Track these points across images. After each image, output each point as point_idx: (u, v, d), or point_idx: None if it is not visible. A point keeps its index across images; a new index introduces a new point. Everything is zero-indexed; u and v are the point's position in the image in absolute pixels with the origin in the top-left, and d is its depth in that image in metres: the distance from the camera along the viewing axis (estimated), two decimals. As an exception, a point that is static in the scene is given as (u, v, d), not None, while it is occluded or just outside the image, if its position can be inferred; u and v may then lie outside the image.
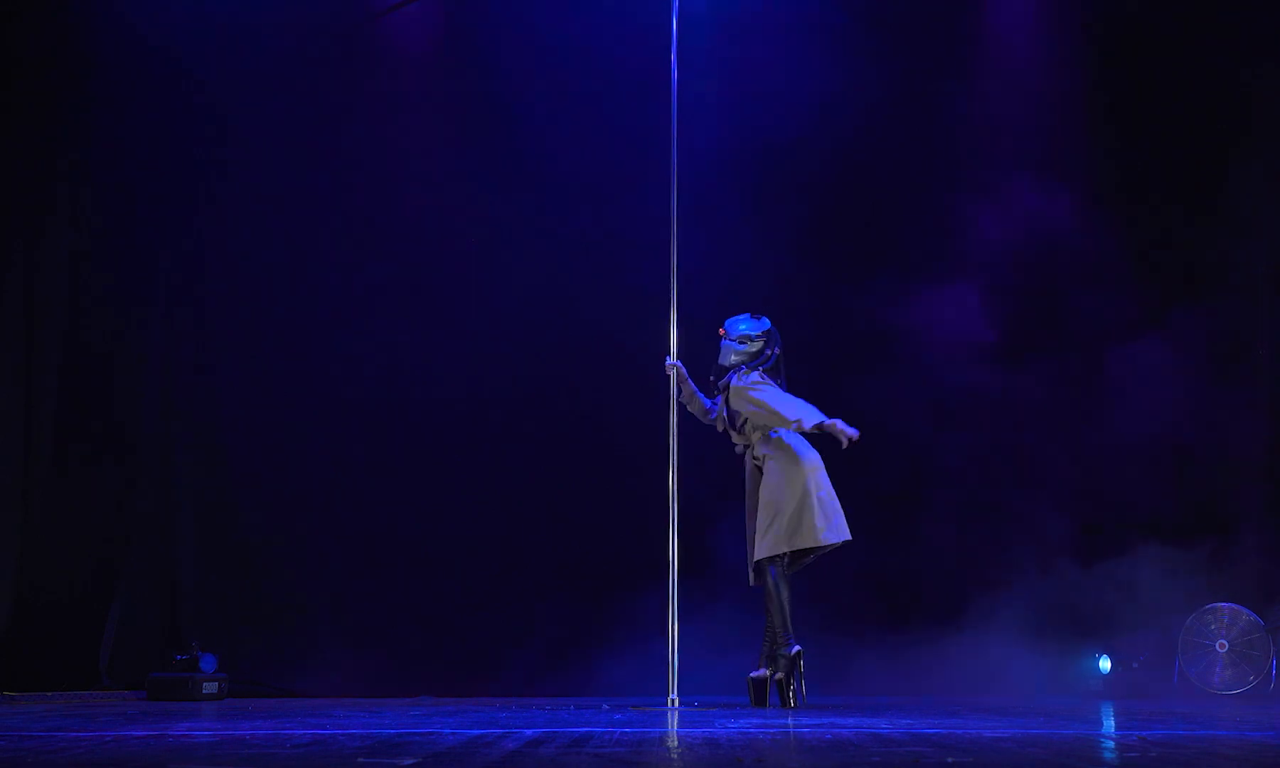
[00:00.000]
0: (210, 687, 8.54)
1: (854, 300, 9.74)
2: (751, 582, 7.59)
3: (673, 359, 7.84)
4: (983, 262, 9.78)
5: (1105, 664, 9.18)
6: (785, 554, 7.41)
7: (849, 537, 7.51)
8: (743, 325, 7.67)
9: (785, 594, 7.41)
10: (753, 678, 7.52)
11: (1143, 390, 9.62)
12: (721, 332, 7.70)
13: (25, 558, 9.29)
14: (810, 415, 7.40)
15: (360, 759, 4.37)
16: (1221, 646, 9.02)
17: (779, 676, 7.39)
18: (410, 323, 9.91)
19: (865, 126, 9.88)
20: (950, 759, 4.34)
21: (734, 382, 7.57)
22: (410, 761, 4.33)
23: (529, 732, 5.41)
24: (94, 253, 9.63)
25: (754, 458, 7.60)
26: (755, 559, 7.47)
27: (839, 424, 7.38)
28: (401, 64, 10.03)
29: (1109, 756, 4.64)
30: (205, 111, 9.81)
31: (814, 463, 7.51)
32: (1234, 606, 9.08)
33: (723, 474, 9.36)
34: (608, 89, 9.83)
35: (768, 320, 7.71)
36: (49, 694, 8.67)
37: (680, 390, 7.84)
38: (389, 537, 9.71)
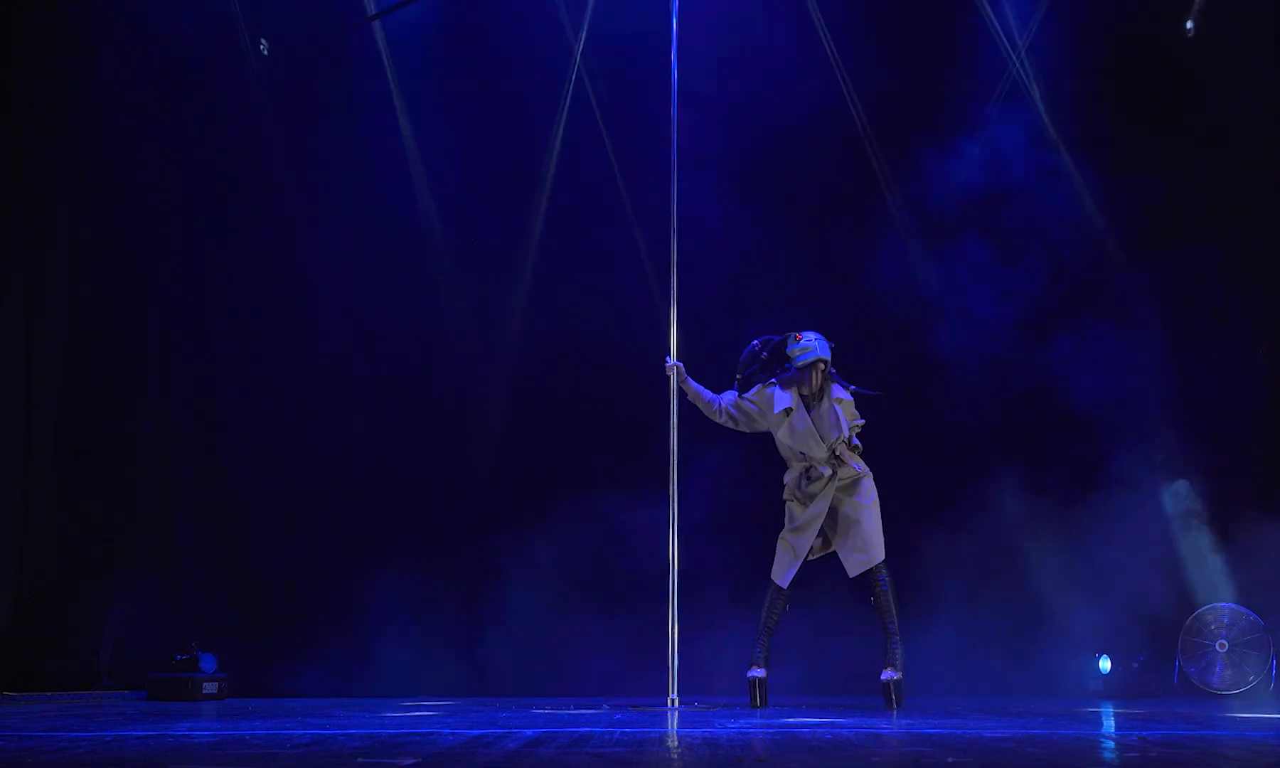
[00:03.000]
0: (210, 687, 8.54)
1: (852, 282, 9.82)
2: (852, 574, 7.56)
3: (673, 360, 7.81)
4: (979, 237, 9.84)
5: (1105, 664, 9.18)
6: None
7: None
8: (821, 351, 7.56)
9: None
10: (752, 678, 7.49)
11: (1136, 358, 9.72)
12: (792, 348, 7.56)
13: (25, 558, 9.29)
14: None
15: (360, 759, 4.37)
16: (1221, 646, 9.02)
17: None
18: (410, 324, 9.92)
19: (868, 113, 9.96)
20: (950, 759, 4.34)
21: (843, 395, 7.54)
22: (410, 761, 4.33)
23: (529, 732, 5.41)
24: (94, 255, 9.64)
25: (835, 464, 7.53)
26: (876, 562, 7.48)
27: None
28: (398, 63, 10.04)
29: (1109, 756, 4.64)
30: (205, 111, 9.82)
31: None
32: (1234, 606, 9.09)
33: (724, 474, 9.38)
34: (607, 82, 9.88)
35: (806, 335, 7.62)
36: (49, 694, 8.67)
37: (685, 393, 7.81)
38: (388, 538, 9.71)
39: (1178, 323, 9.82)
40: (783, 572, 7.54)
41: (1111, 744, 5.05)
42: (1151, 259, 9.84)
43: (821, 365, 7.48)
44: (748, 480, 9.21)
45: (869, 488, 7.54)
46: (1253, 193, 9.92)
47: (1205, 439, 9.60)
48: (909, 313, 9.92)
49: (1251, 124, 9.82)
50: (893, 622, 7.45)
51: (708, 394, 7.76)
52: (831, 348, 7.55)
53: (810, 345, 7.48)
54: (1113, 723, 6.16)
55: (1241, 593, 9.18)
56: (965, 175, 9.82)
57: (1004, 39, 9.98)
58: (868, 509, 7.51)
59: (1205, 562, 9.32)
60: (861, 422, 7.54)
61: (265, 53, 9.77)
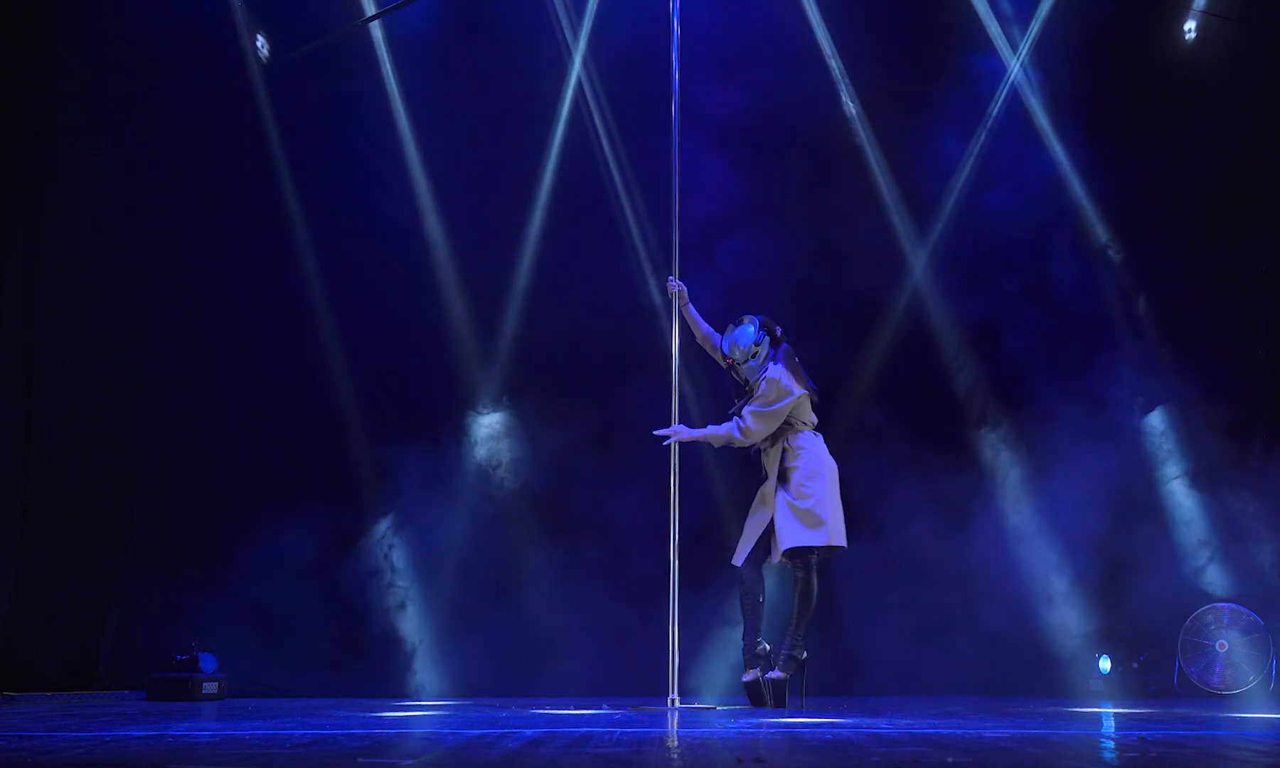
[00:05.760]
0: (210, 687, 8.54)
1: (850, 276, 9.85)
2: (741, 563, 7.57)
3: (676, 281, 7.79)
4: (979, 224, 9.89)
5: (1105, 664, 9.18)
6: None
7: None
8: (742, 343, 7.56)
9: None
10: (747, 682, 7.47)
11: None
12: (730, 361, 7.59)
13: (25, 558, 9.28)
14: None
15: (360, 759, 4.36)
16: (1221, 646, 9.02)
17: (785, 677, 7.39)
18: (410, 324, 9.93)
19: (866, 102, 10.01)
20: (950, 759, 4.33)
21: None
22: (410, 761, 4.33)
23: (529, 732, 5.40)
24: (94, 253, 9.63)
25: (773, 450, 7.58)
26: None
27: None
28: (398, 60, 10.05)
29: (1109, 756, 4.64)
30: (204, 111, 9.83)
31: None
32: (1234, 605, 9.09)
33: (726, 471, 9.38)
34: (606, 79, 9.93)
35: (756, 318, 7.61)
36: (49, 694, 8.67)
37: (691, 324, 7.81)
38: (389, 537, 9.71)
39: (1174, 319, 9.85)
40: (737, 551, 7.60)
41: (1111, 744, 5.04)
42: (1146, 254, 9.87)
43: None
44: (749, 477, 9.22)
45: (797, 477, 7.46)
46: (1251, 193, 9.95)
47: (1201, 430, 9.64)
48: (907, 309, 9.98)
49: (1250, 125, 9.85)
50: (791, 621, 7.45)
51: (706, 326, 7.78)
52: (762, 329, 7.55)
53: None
54: (1113, 723, 6.16)
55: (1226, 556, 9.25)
56: (962, 167, 9.91)
57: (1003, 37, 10.00)
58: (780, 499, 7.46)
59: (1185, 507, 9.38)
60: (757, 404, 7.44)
61: (265, 54, 9.77)
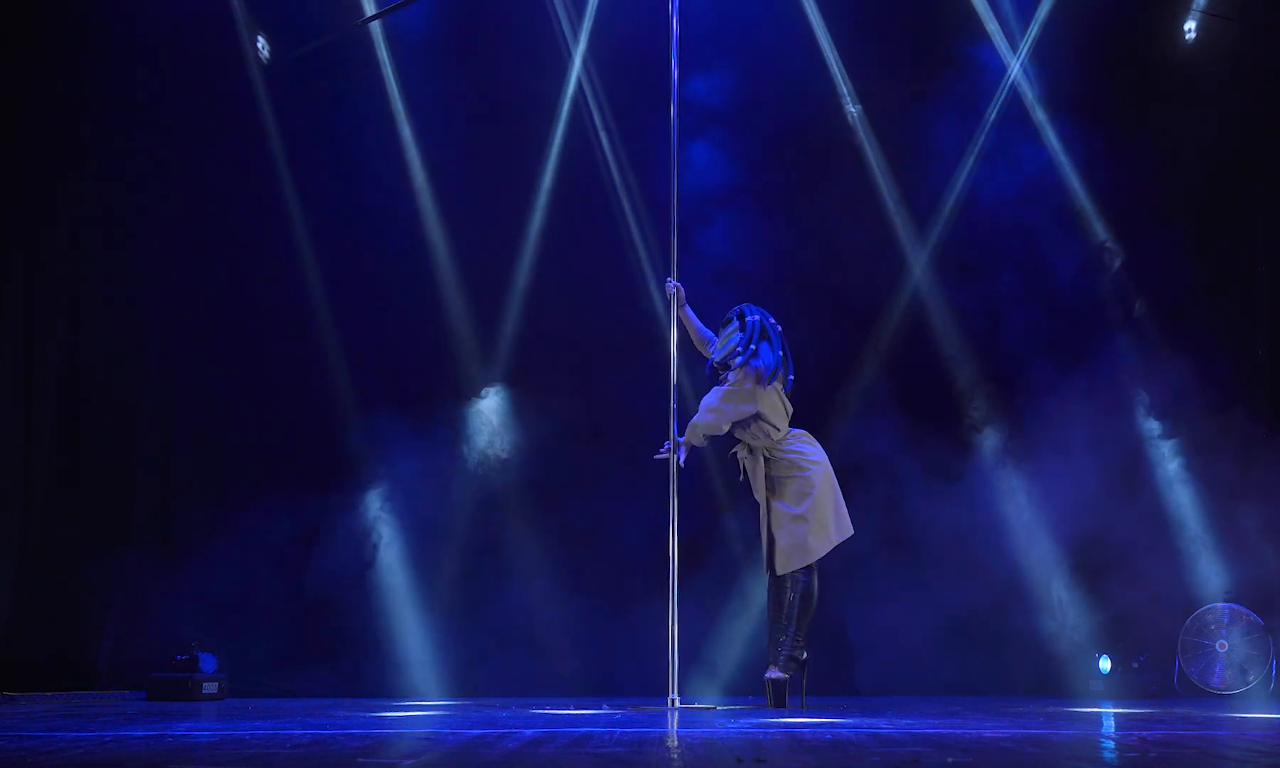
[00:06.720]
0: (210, 687, 8.54)
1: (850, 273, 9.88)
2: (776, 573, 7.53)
3: (674, 282, 7.79)
4: (982, 219, 9.92)
5: (1105, 664, 9.18)
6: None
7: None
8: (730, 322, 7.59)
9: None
10: (769, 678, 7.46)
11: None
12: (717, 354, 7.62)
13: (25, 558, 9.28)
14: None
15: (360, 759, 4.36)
16: (1221, 646, 9.02)
17: (785, 677, 7.39)
18: (410, 323, 9.93)
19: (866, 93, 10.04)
20: (950, 759, 4.33)
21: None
22: (410, 761, 4.32)
23: (529, 732, 5.40)
24: (94, 253, 9.64)
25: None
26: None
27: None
28: (398, 60, 10.06)
29: (1109, 756, 4.63)
30: (205, 111, 9.84)
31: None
32: (1234, 605, 9.10)
33: (725, 469, 9.38)
34: (606, 78, 9.94)
35: (742, 307, 7.58)
36: (49, 694, 8.66)
37: (691, 325, 7.81)
38: (389, 537, 9.71)
39: (1173, 318, 9.86)
40: None
41: (1111, 744, 5.04)
42: (1145, 253, 9.89)
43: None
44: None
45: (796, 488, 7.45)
46: (1250, 192, 9.97)
47: (1201, 430, 9.65)
48: (905, 306, 10.00)
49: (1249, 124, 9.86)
50: (791, 622, 7.39)
51: (702, 328, 7.75)
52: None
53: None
54: (1113, 723, 6.16)
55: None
56: (962, 163, 9.93)
57: (1001, 34, 10.02)
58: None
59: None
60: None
61: (265, 54, 9.77)
